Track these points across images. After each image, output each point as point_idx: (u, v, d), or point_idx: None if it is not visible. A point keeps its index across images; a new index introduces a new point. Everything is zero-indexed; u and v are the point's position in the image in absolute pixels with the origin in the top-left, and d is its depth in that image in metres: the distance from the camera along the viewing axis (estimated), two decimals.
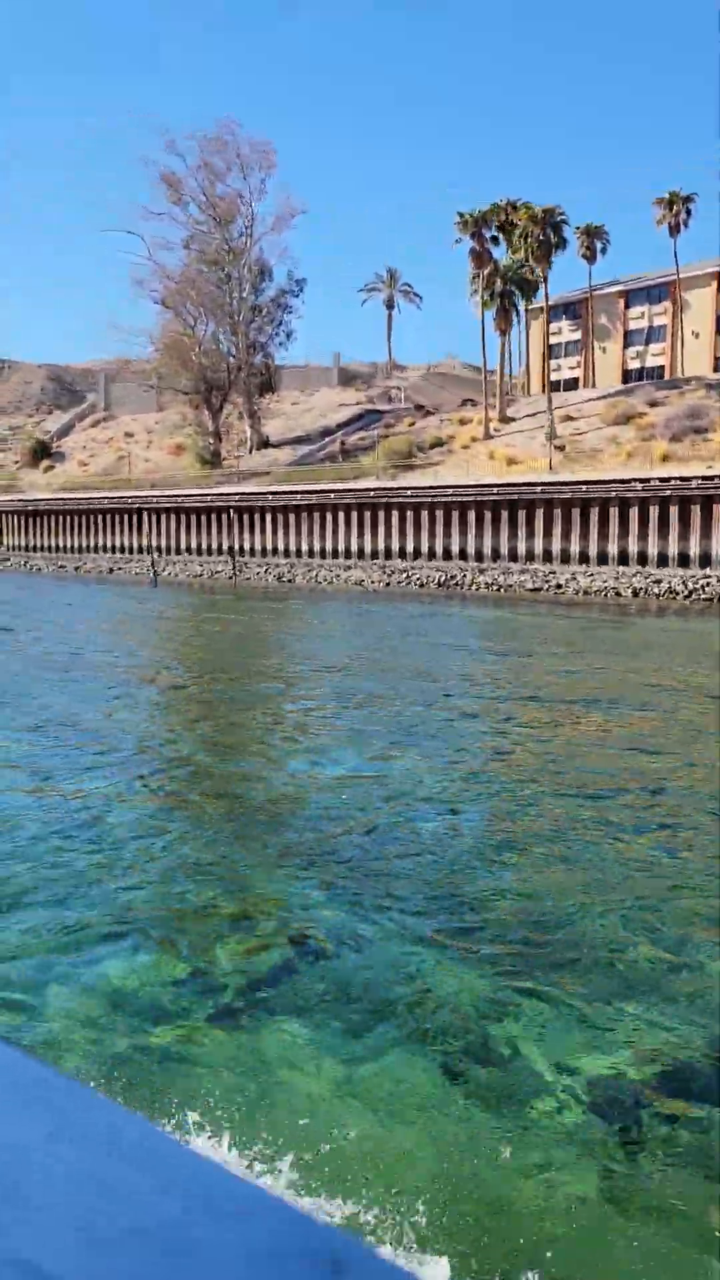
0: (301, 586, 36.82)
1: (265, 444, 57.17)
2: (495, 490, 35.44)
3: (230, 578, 40.07)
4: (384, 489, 39.48)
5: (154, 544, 41.97)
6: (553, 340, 55.31)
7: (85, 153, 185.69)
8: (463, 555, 36.24)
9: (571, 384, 54.40)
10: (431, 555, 37.12)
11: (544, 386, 52.07)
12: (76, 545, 51.56)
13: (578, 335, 55.13)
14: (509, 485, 34.95)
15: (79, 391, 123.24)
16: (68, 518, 52.18)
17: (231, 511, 43.84)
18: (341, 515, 40.45)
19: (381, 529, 39.13)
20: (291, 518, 41.84)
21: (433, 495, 37.47)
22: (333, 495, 40.81)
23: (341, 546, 39.98)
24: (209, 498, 45.65)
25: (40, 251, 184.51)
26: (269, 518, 43.06)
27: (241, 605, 30.43)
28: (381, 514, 39.11)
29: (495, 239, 46.88)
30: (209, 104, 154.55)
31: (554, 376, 55.72)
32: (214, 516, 44.94)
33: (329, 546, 40.33)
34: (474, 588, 33.37)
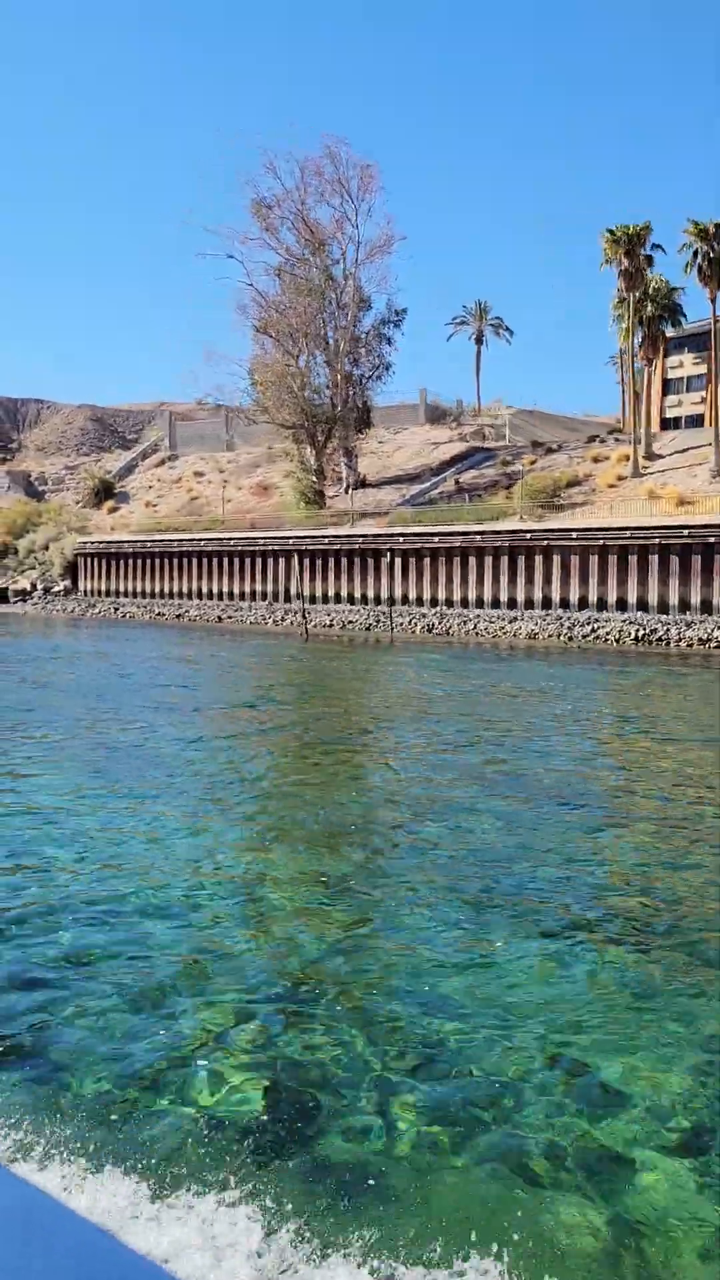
0: (462, 640, 32.59)
1: (362, 483, 53.35)
2: (687, 532, 31.37)
3: (368, 628, 35.81)
4: (544, 530, 35.42)
5: (301, 592, 37.72)
6: (671, 374, 51.79)
7: (147, 184, 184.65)
8: (652, 606, 32.09)
9: (695, 420, 50.74)
10: (620, 606, 32.93)
11: (711, 419, 48.26)
12: (166, 590, 47.50)
13: (702, 369, 51.55)
14: (709, 526, 30.85)
15: (119, 432, 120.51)
16: (156, 560, 48.17)
17: (362, 555, 39.79)
18: (489, 559, 36.39)
19: (540, 574, 35.03)
20: (427, 561, 37.78)
21: (605, 537, 33.41)
22: (479, 537, 36.78)
23: (503, 596, 35.83)
24: (326, 540, 41.64)
25: (78, 289, 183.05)
26: (399, 561, 39.02)
27: (469, 669, 26.08)
28: (540, 558, 35.03)
29: (650, 258, 43.05)
30: (282, 115, 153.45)
31: (672, 413, 52.09)
32: (338, 560, 40.89)
33: (486, 595, 36.19)
34: (682, 643, 29.13)
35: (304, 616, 35.00)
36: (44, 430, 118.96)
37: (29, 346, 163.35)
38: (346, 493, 52.09)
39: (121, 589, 49.97)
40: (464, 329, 65.68)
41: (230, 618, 40.86)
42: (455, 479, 48.67)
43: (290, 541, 42.81)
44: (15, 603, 52.20)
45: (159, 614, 43.57)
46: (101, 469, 73.16)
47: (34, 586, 53.72)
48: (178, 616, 42.75)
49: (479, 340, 65.31)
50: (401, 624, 35.24)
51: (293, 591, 42.85)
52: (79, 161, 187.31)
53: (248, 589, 44.36)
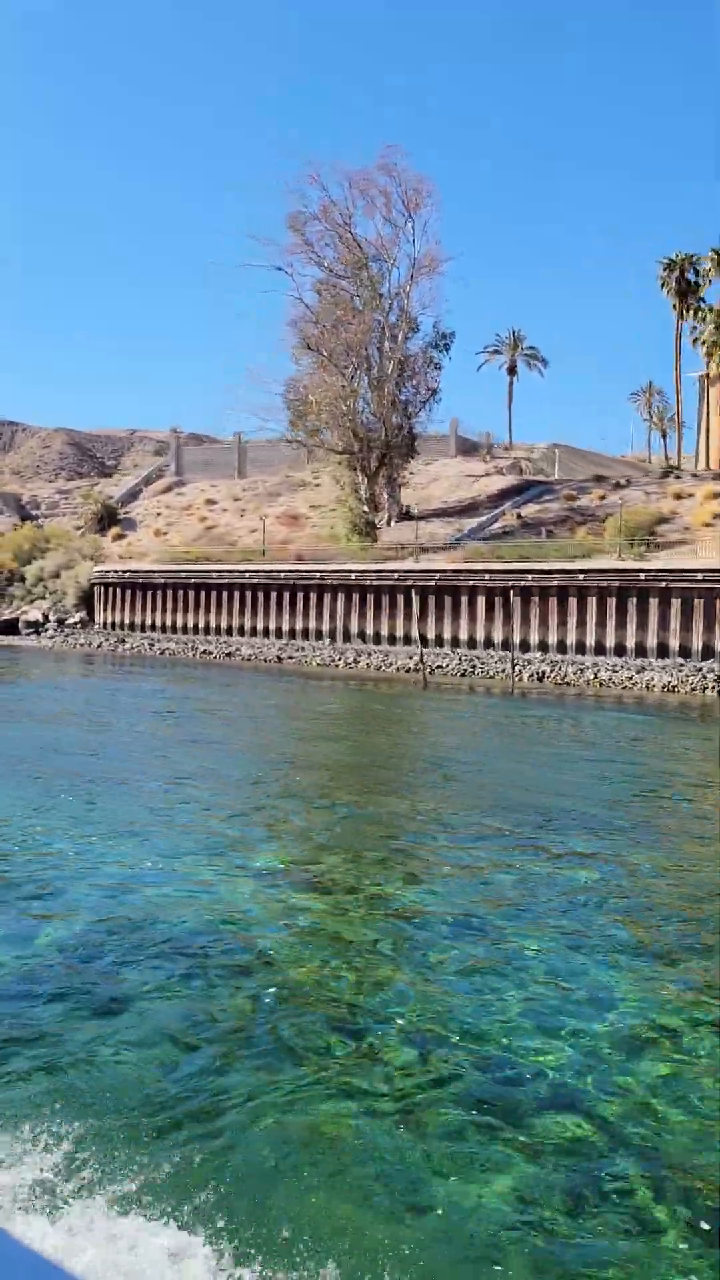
0: (586, 691, 29.07)
1: (407, 515, 49.96)
2: None
3: (462, 674, 32.09)
4: (661, 570, 32.24)
5: (420, 634, 33.88)
6: None
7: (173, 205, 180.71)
8: None
9: None
10: None
11: None
12: (203, 625, 43.37)
13: None
14: None
15: (98, 457, 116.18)
16: (191, 592, 44.07)
17: (437, 592, 36.23)
18: (593, 600, 33.09)
19: (654, 618, 31.78)
20: (518, 602, 34.34)
21: None
22: (581, 576, 33.48)
23: (609, 641, 32.50)
24: (395, 575, 38.05)
25: (56, 308, 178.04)
26: (483, 600, 35.58)
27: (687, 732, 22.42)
28: (655, 600, 31.81)
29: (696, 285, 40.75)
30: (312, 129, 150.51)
31: None
32: (407, 596, 37.27)
33: (589, 640, 32.82)
34: None
35: (423, 661, 31.20)
36: (20, 454, 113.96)
37: (9, 366, 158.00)
38: (388, 524, 48.67)
39: (147, 622, 45.67)
40: (496, 358, 62.98)
41: (290, 658, 36.89)
42: (516, 513, 45.51)
43: (353, 576, 39.11)
44: (27, 635, 47.57)
45: (205, 651, 39.37)
46: (102, 494, 68.79)
47: (46, 618, 49.15)
48: (228, 655, 38.62)
49: (512, 371, 62.68)
50: (501, 670, 31.65)
51: (352, 630, 39.17)
52: (69, 176, 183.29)
53: (299, 626, 40.47)
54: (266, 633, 41.27)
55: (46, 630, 47.81)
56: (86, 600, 49.72)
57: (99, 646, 42.48)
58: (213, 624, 43.13)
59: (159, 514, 64.11)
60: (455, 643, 36.05)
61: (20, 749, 16.38)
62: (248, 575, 42.31)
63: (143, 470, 79.93)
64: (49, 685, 27.98)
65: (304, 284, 47.68)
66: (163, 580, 45.15)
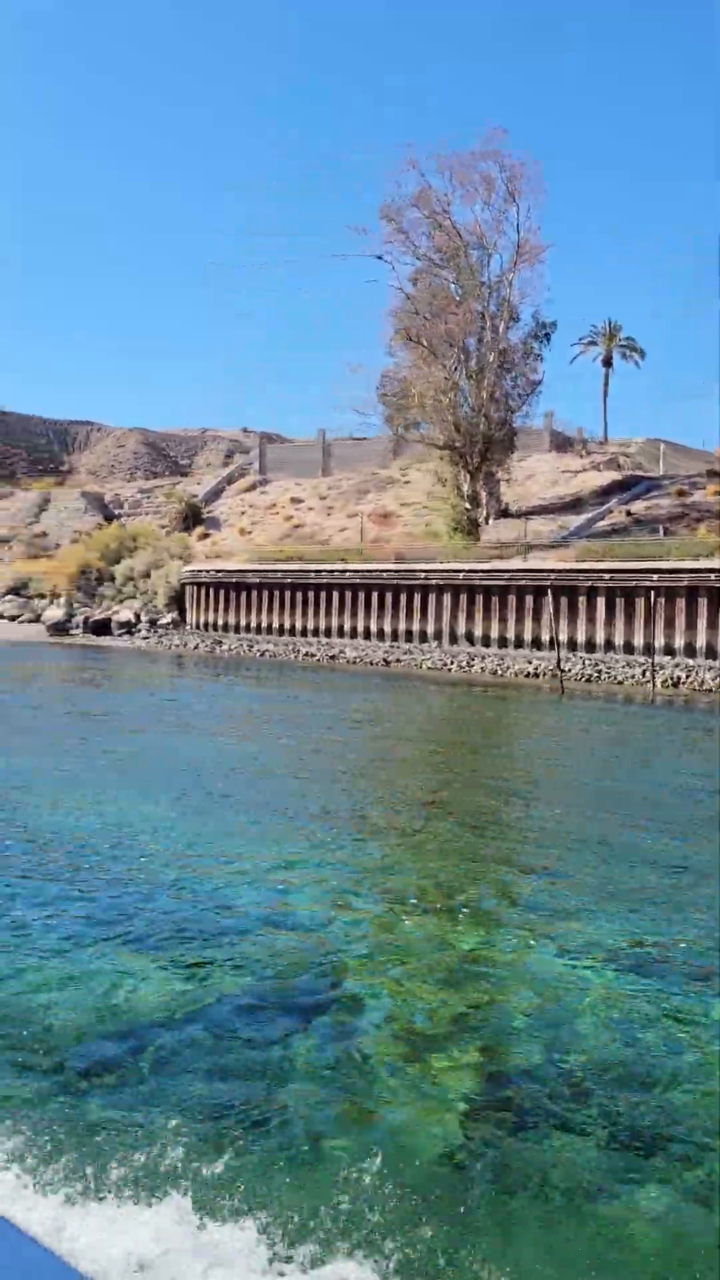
0: None
1: (504, 513, 48.27)
2: None
3: (635, 680, 30.27)
4: None
5: (557, 636, 32.26)
6: None
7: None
8: None
9: None
10: None
11: None
12: (299, 626, 42.13)
13: None
14: None
15: (171, 456, 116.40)
16: (286, 593, 42.88)
17: (554, 592, 34.48)
18: None
19: None
20: (640, 603, 32.45)
21: None
22: (714, 577, 31.49)
23: None
24: (505, 574, 36.38)
25: (128, 309, 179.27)
26: (602, 601, 33.76)
27: None
28: None
29: None
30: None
31: None
32: (519, 597, 35.64)
33: None
34: None
35: (560, 667, 29.44)
36: (95, 453, 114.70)
37: (75, 367, 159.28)
38: (487, 521, 47.02)
39: (241, 623, 44.58)
40: (592, 349, 60.84)
41: (398, 661, 35.45)
42: (625, 509, 43.55)
43: (459, 575, 37.52)
44: (120, 635, 46.83)
45: (307, 654, 38.12)
46: (185, 493, 68.10)
47: (137, 618, 48.40)
48: (331, 658, 37.32)
49: (607, 363, 60.50)
50: (630, 675, 29.81)
51: (459, 631, 37.60)
52: (129, 178, 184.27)
53: (402, 627, 39.01)
54: (367, 634, 39.88)
55: (139, 631, 47.02)
56: (177, 600, 48.88)
57: (195, 648, 41.48)
58: (310, 625, 41.88)
59: (243, 512, 63.21)
60: (572, 645, 34.25)
61: (203, 768, 15.14)
62: (347, 575, 40.96)
63: (218, 468, 79.38)
64: (182, 691, 26.86)
65: (401, 274, 46.16)
66: (257, 580, 44.02)
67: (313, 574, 42.17)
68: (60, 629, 48.03)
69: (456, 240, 46.56)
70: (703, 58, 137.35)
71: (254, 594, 44.28)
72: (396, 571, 39.74)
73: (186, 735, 17.51)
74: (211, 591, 46.17)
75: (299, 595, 42.56)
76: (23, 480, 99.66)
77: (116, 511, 71.15)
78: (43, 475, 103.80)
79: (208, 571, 46.67)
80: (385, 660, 35.61)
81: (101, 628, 47.79)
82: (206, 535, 59.62)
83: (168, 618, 48.08)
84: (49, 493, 74.88)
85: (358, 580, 40.56)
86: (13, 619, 51.30)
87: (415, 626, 38.65)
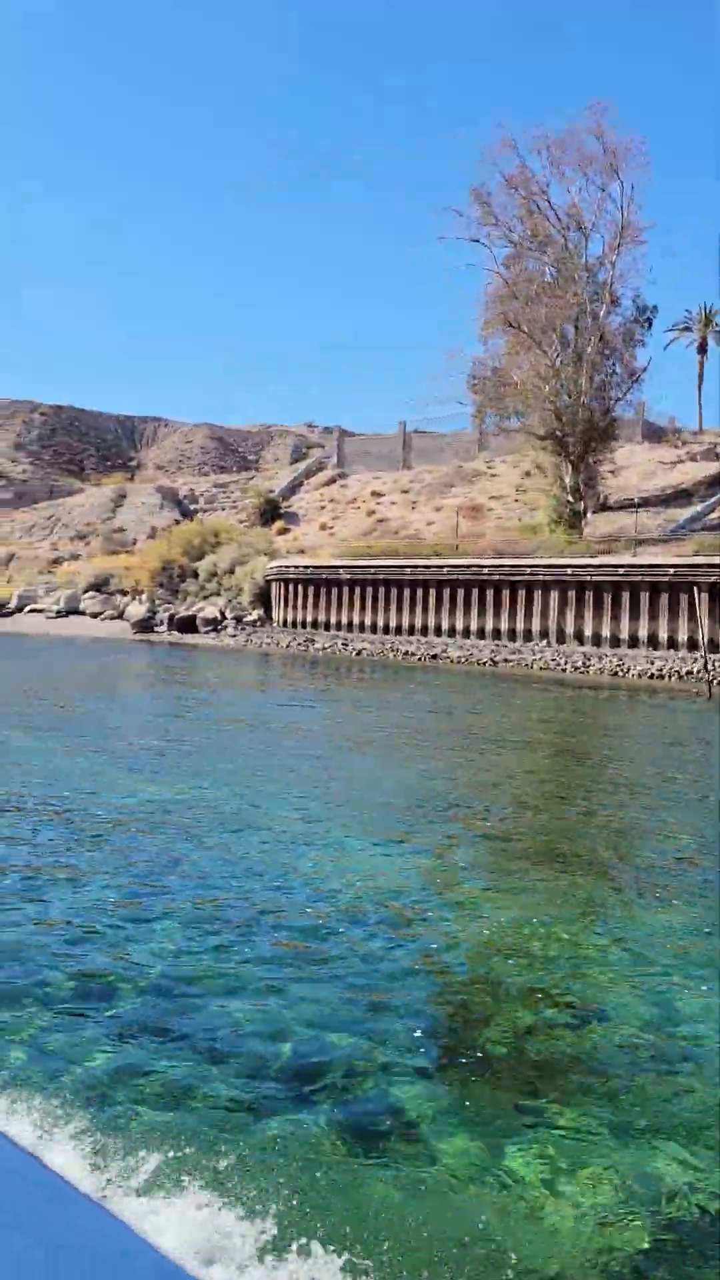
0: None
1: (603, 506, 46.30)
2: None
3: None
4: None
5: (705, 635, 30.46)
6: None
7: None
8: None
9: None
10: None
11: None
12: (391, 624, 40.67)
13: None
14: None
15: (239, 452, 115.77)
16: (382, 589, 41.42)
17: (672, 588, 32.58)
18: None
19: None
20: None
21: None
22: None
23: None
24: (620, 570, 34.53)
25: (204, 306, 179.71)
26: None
27: None
28: None
29: None
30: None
31: None
32: (633, 594, 33.78)
33: None
34: None
35: (708, 668, 27.66)
36: (163, 449, 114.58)
37: (143, 364, 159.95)
38: (586, 516, 45.08)
39: (332, 620, 43.22)
40: (686, 335, 58.44)
41: (506, 661, 33.79)
42: None
43: (568, 571, 35.75)
44: (206, 633, 45.82)
45: (406, 653, 36.64)
46: (262, 487, 67.00)
47: (223, 615, 47.34)
48: (433, 657, 35.80)
49: (702, 349, 58.08)
50: None
51: (567, 630, 35.83)
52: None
53: (504, 625, 37.35)
54: (467, 632, 38.28)
55: (225, 628, 45.97)
56: (262, 597, 47.75)
57: (286, 646, 40.25)
58: (405, 623, 40.39)
59: (322, 507, 61.94)
60: (692, 645, 32.31)
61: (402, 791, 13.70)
62: (445, 570, 39.38)
63: (286, 464, 78.24)
64: (304, 697, 25.49)
65: (496, 258, 44.41)
66: (348, 576, 42.62)
67: (408, 569, 40.67)
68: (145, 626, 47.17)
69: (554, 222, 44.70)
70: None
71: (344, 590, 42.89)
72: (497, 567, 38.07)
73: (365, 755, 15.95)
74: (298, 588, 44.89)
75: (392, 591, 41.09)
76: (92, 476, 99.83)
77: (192, 507, 70.37)
78: (112, 471, 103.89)
79: (295, 567, 45.39)
80: (492, 660, 33.98)
81: (187, 625, 46.83)
82: (286, 530, 58.44)
83: (253, 615, 46.96)
84: (124, 488, 74.36)
85: (455, 576, 38.97)
86: (95, 616, 50.60)
87: (519, 625, 36.96)
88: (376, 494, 60.42)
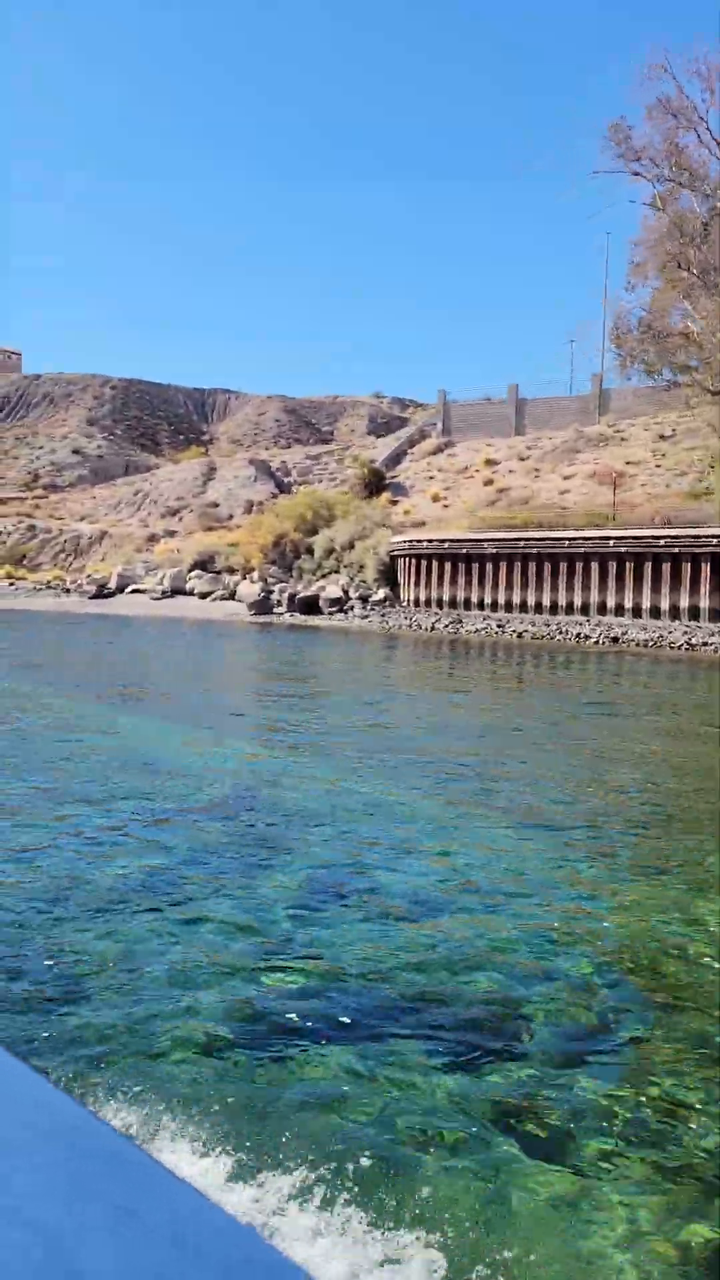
0: None
1: None
2: None
3: None
4: None
5: None
6: None
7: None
8: None
9: None
10: None
11: None
12: (545, 602, 36.81)
13: None
14: None
15: (313, 424, 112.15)
16: (532, 564, 37.53)
17: None
18: None
19: None
20: None
21: None
22: None
23: None
24: None
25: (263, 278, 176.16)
26: None
27: None
28: None
29: None
30: None
31: None
32: None
33: None
34: None
35: None
36: (234, 421, 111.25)
37: (212, 335, 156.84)
38: None
39: (466, 598, 39.41)
40: None
41: (705, 644, 29.75)
42: None
43: None
44: (331, 614, 42.28)
45: (579, 635, 32.73)
46: (364, 458, 63.12)
47: (347, 594, 43.75)
48: (613, 640, 31.83)
49: None
50: None
51: None
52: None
53: (683, 603, 33.30)
54: (638, 611, 34.30)
55: (352, 608, 42.38)
56: (387, 574, 44.08)
57: (431, 628, 36.55)
58: (565, 601, 36.49)
59: (431, 477, 57.97)
60: None
61: None
62: (611, 543, 35.36)
63: (361, 433, 74.27)
64: (533, 709, 21.73)
65: (639, 199, 39.93)
66: (493, 550, 38.73)
67: (565, 541, 36.70)
68: (263, 607, 43.73)
69: (717, 154, 40.05)
70: None
71: (487, 565, 39.05)
72: (675, 538, 33.97)
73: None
74: (431, 563, 41.08)
75: (545, 566, 37.18)
76: (167, 451, 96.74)
77: (285, 479, 66.80)
78: (188, 445, 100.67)
79: (428, 541, 41.56)
80: (688, 644, 29.96)
81: (309, 606, 43.32)
82: (395, 502, 54.64)
83: (379, 593, 43.29)
84: (212, 461, 70.94)
85: (622, 548, 34.94)
86: (204, 596, 47.30)
87: (704, 603, 32.90)
88: (491, 462, 56.33)
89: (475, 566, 39.46)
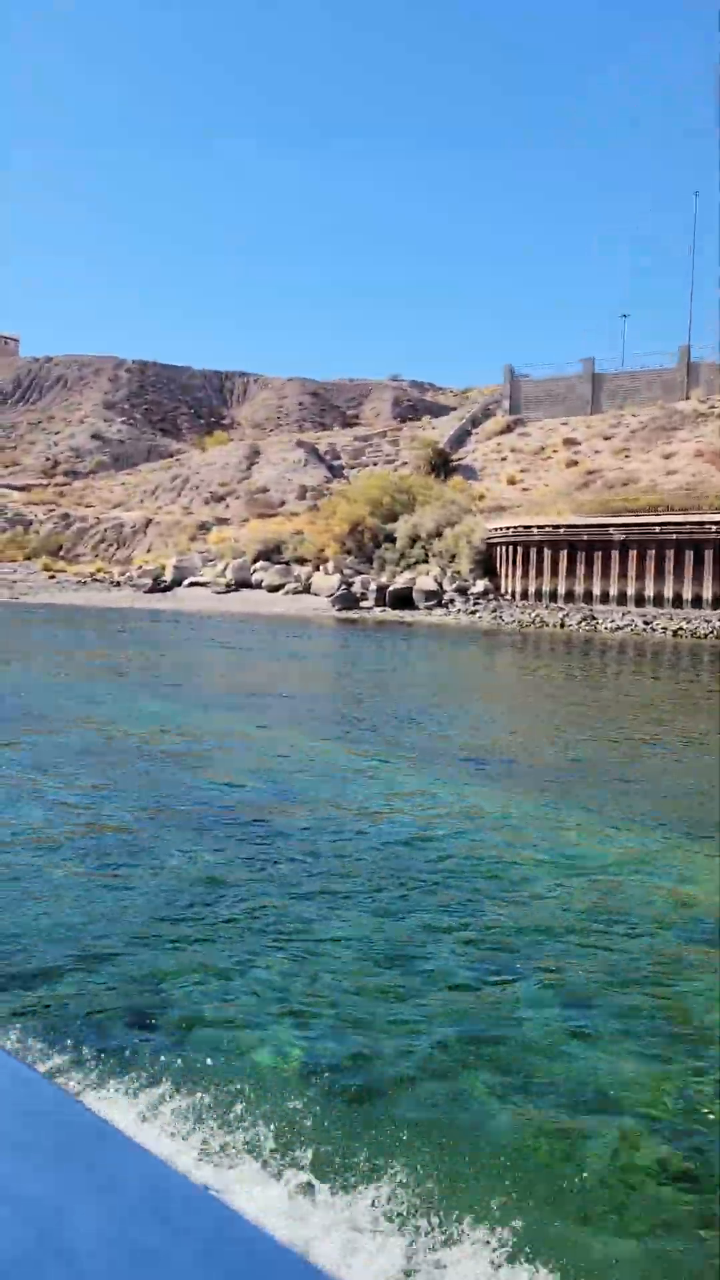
0: None
1: None
2: None
3: None
4: None
5: None
6: None
7: None
8: None
9: None
10: None
11: None
12: (686, 596, 32.55)
13: None
14: None
15: (338, 406, 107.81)
16: (669, 552, 33.17)
17: None
18: None
19: None
20: None
21: None
22: None
23: None
24: None
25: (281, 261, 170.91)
26: None
27: None
28: None
29: None
30: None
31: None
32: None
33: None
34: None
35: None
36: (255, 405, 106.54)
37: (230, 318, 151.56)
38: None
39: (582, 591, 35.06)
40: None
41: None
42: None
43: None
44: (428, 608, 37.80)
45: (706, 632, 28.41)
46: (426, 438, 58.51)
47: (441, 587, 39.27)
48: None
49: None
50: None
51: None
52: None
53: None
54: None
55: (451, 602, 37.93)
56: (484, 563, 39.65)
57: (561, 625, 32.19)
58: (706, 595, 32.16)
59: (503, 458, 53.51)
60: None
61: None
62: None
63: (387, 416, 69.77)
64: None
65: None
66: (621, 537, 34.32)
67: (712, 527, 32.32)
68: (349, 602, 39.22)
69: None
70: None
71: (612, 554, 34.65)
72: None
73: None
74: (542, 552, 36.65)
75: (685, 555, 32.81)
76: (189, 436, 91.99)
77: (334, 463, 62.17)
78: (208, 429, 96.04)
79: (538, 527, 37.09)
80: None
81: (401, 600, 38.83)
82: (464, 484, 50.17)
83: (478, 586, 38.84)
84: (255, 444, 66.20)
85: None
86: (274, 589, 42.71)
87: None
88: (570, 442, 51.90)
89: (599, 555, 35.04)
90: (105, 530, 55.10)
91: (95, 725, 12.12)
